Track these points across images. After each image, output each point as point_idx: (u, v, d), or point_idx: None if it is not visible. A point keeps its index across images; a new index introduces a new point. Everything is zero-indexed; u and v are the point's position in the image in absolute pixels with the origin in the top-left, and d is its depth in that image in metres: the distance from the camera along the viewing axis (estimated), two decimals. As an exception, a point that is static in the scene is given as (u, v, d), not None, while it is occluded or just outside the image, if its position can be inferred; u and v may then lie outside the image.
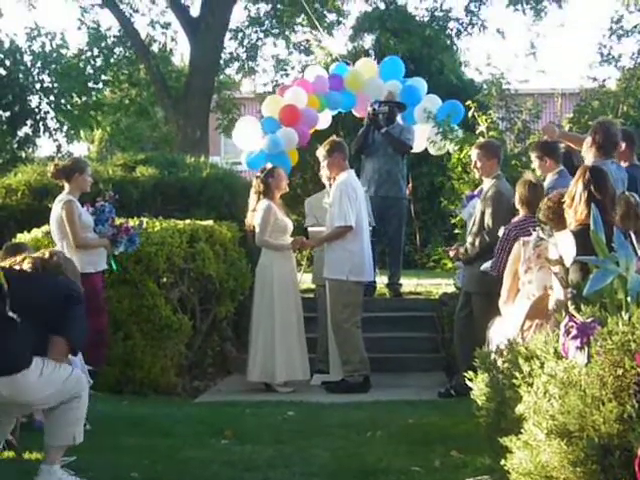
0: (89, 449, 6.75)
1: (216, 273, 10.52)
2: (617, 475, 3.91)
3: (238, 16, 27.26)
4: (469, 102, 11.36)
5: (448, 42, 21.69)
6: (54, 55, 23.03)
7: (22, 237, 9.78)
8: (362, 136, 12.29)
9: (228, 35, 24.30)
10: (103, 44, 24.62)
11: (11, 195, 12.27)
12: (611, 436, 3.93)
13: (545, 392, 4.38)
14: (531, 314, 6.66)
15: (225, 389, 10.34)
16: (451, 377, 9.91)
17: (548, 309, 6.28)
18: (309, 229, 10.80)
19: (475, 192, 10.00)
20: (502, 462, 4.62)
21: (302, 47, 26.44)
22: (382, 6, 22.34)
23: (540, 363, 4.71)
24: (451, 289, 11.47)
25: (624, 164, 8.34)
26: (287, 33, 26.30)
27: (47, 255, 6.32)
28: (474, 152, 9.36)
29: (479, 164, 9.24)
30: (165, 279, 9.89)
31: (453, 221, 11.38)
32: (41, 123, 22.56)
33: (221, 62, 24.44)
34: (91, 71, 24.31)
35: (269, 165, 10.64)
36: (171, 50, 26.65)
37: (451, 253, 9.79)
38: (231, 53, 25.79)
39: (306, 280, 11.84)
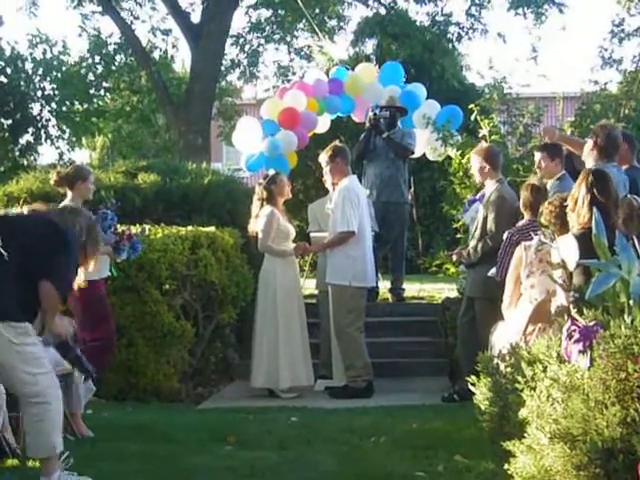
0: (92, 456, 6.77)
1: (218, 279, 10.52)
2: (620, 479, 3.90)
3: (239, 22, 27.38)
4: (471, 106, 11.36)
5: (449, 46, 21.68)
6: (55, 62, 23.10)
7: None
8: (363, 141, 12.29)
9: (229, 41, 24.30)
10: (104, 51, 24.63)
11: (13, 203, 12.25)
12: (614, 440, 3.93)
13: (548, 396, 4.38)
14: (533, 318, 6.66)
15: (228, 395, 10.34)
16: (454, 382, 9.91)
17: (551, 313, 6.28)
18: (311, 235, 10.81)
19: (477, 196, 10.00)
20: (505, 466, 4.62)
21: (303, 53, 26.46)
22: (383, 11, 22.37)
23: (543, 367, 4.71)
24: (454, 294, 11.46)
25: (624, 166, 8.34)
26: (288, 39, 26.31)
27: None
28: (475, 158, 9.38)
29: (486, 168, 9.24)
30: (167, 286, 9.89)
31: (455, 226, 11.38)
32: (43, 131, 22.64)
33: (222, 68, 24.43)
34: (92, 78, 24.36)
35: (272, 172, 10.64)
36: (172, 57, 26.71)
37: (454, 257, 9.80)
38: (232, 59, 25.80)
39: (309, 286, 11.84)
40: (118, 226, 9.16)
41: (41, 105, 22.79)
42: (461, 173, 11.09)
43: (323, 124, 12.95)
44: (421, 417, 8.34)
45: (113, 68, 24.84)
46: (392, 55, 18.15)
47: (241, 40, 25.73)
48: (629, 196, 6.98)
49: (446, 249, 12.71)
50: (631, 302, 4.53)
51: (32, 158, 22.70)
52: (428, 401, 9.42)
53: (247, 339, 10.67)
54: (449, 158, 11.44)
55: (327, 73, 13.80)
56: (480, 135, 11.13)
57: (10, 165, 21.57)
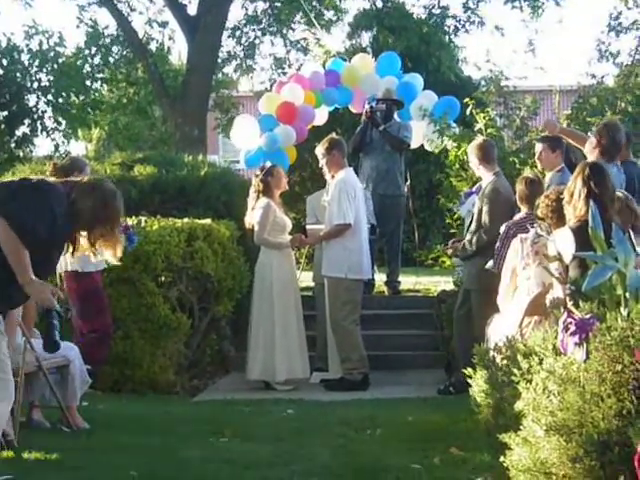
0: (88, 448, 6.77)
1: (214, 272, 10.51)
2: (616, 471, 3.90)
3: (236, 14, 27.26)
4: (467, 99, 11.35)
5: (446, 39, 21.66)
6: (52, 54, 23.04)
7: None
8: (360, 134, 12.28)
9: (226, 33, 24.28)
10: (101, 43, 24.59)
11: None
12: (610, 432, 3.93)
13: (544, 388, 4.38)
14: (530, 311, 6.67)
15: (223, 387, 10.34)
16: (450, 374, 9.91)
17: (546, 306, 6.28)
18: (308, 227, 10.79)
19: (473, 189, 10.00)
20: (501, 459, 4.62)
21: (300, 45, 26.42)
22: (379, 3, 22.32)
23: (539, 360, 4.71)
24: (450, 286, 11.47)
25: (619, 160, 8.34)
26: (285, 31, 26.27)
27: None
28: (471, 152, 9.39)
29: (480, 162, 9.26)
30: (163, 278, 9.89)
31: (449, 220, 11.37)
32: (39, 122, 22.58)
33: (219, 60, 24.40)
34: (89, 70, 24.31)
35: (268, 164, 10.63)
36: (169, 49, 26.67)
37: (449, 251, 9.81)
38: (229, 52, 25.77)
39: (305, 278, 11.83)
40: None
41: (37, 97, 22.74)
42: (457, 165, 11.09)
43: (321, 116, 12.93)
44: (417, 410, 8.35)
45: (110, 60, 24.80)
46: (388, 48, 18.04)
47: (237, 32, 25.70)
48: (617, 191, 6.99)
49: (442, 242, 12.72)
50: (627, 295, 4.53)
51: (28, 150, 22.65)
52: (424, 394, 9.42)
53: (243, 331, 10.66)
54: (446, 150, 11.43)
55: (324, 65, 13.78)
56: (476, 128, 11.12)
57: (6, 157, 21.52)
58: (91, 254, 5.66)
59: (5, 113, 21.90)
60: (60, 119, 23.00)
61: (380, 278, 12.77)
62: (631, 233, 5.30)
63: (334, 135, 10.57)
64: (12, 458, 6.25)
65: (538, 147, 8.94)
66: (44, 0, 40.50)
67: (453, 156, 11.13)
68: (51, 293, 5.40)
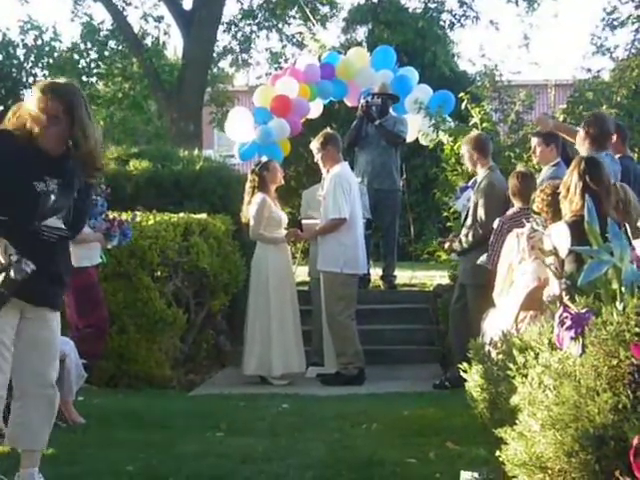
0: (84, 443, 6.77)
1: (210, 266, 10.52)
2: (612, 465, 3.90)
3: (231, 9, 27.26)
4: (462, 94, 11.34)
5: (441, 34, 21.65)
6: (47, 49, 22.99)
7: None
8: (355, 129, 12.28)
9: (221, 28, 24.27)
10: (96, 38, 24.54)
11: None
12: (606, 426, 3.92)
13: (540, 383, 4.38)
14: (525, 305, 6.66)
15: (219, 382, 10.33)
16: (446, 369, 9.93)
17: (542, 300, 6.28)
18: (303, 222, 10.78)
19: (469, 183, 10.00)
20: (497, 453, 4.61)
21: (295, 40, 26.40)
22: (375, -2, 22.32)
23: (534, 354, 4.70)
24: (445, 281, 11.48)
25: (616, 156, 8.34)
26: (280, 26, 26.25)
27: None
28: (465, 146, 9.40)
29: (475, 157, 9.26)
30: (159, 273, 9.90)
31: (445, 214, 11.38)
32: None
33: (214, 55, 24.39)
34: (84, 64, 24.27)
35: (264, 158, 10.62)
36: (164, 43, 26.61)
37: (445, 245, 9.81)
38: (224, 46, 25.75)
39: (301, 273, 11.83)
40: (109, 213, 9.17)
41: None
42: (453, 160, 11.08)
43: (315, 109, 12.92)
44: (412, 404, 8.36)
45: (105, 54, 24.75)
46: (384, 42, 18.06)
47: (233, 27, 25.67)
48: (617, 184, 6.99)
49: (438, 236, 12.71)
50: (623, 289, 4.53)
51: (23, 145, 22.58)
52: (419, 388, 9.44)
53: (239, 326, 10.67)
54: (441, 145, 11.43)
55: (319, 60, 13.78)
56: (471, 123, 11.12)
57: (1, 152, 21.47)
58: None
59: (1, 108, 21.85)
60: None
61: (376, 273, 12.78)
62: (627, 227, 5.30)
63: (329, 130, 10.58)
64: (8, 453, 6.24)
65: (533, 142, 8.96)
66: (39, -5, 40.31)
67: (449, 150, 11.13)
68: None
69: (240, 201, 10.42)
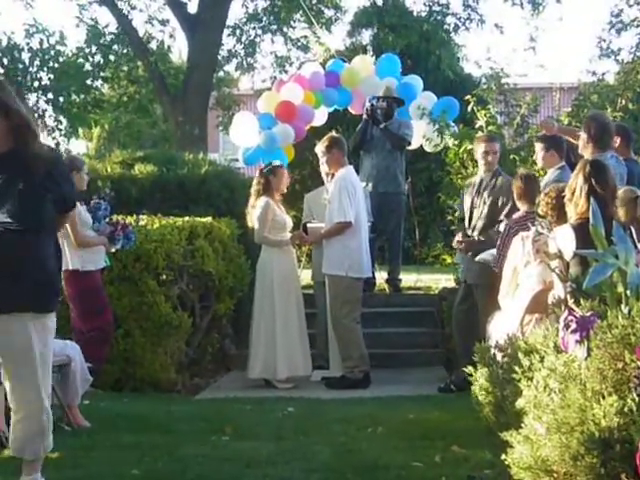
0: (89, 446, 6.77)
1: (215, 270, 10.52)
2: (617, 469, 3.90)
3: (236, 12, 27.24)
4: (468, 97, 11.34)
5: (446, 37, 21.65)
6: (52, 53, 23.03)
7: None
8: (360, 132, 12.28)
9: (226, 32, 24.25)
10: (101, 41, 24.57)
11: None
12: (611, 430, 3.92)
13: (545, 386, 4.38)
14: (531, 308, 6.66)
15: (225, 386, 10.34)
16: (451, 372, 9.91)
17: (547, 303, 6.28)
18: (308, 225, 10.77)
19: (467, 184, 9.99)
20: (503, 457, 4.61)
21: (300, 43, 26.40)
22: (379, 1, 22.32)
23: (540, 357, 4.71)
24: (451, 284, 11.47)
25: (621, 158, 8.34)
26: (285, 29, 26.26)
27: None
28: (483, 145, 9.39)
29: (489, 158, 9.28)
30: (164, 276, 9.88)
31: (450, 218, 11.36)
32: (39, 121, 22.55)
33: (219, 59, 24.41)
34: (90, 68, 24.30)
35: (276, 162, 10.56)
36: (169, 47, 26.62)
37: (462, 245, 9.58)
38: (229, 50, 25.75)
39: (306, 276, 11.83)
40: (113, 216, 9.19)
41: (37, 96, 22.75)
42: (458, 163, 11.08)
43: (320, 117, 12.93)
44: (418, 408, 8.35)
45: (111, 58, 24.77)
46: (389, 46, 18.12)
47: (238, 31, 25.68)
48: (626, 187, 6.99)
49: (443, 240, 12.72)
50: (628, 292, 4.53)
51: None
52: (425, 392, 9.43)
53: (244, 330, 10.67)
54: (446, 148, 11.42)
55: (324, 64, 13.77)
56: (477, 126, 11.12)
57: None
58: None
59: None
60: (60, 118, 23.00)
61: (381, 276, 12.77)
62: (633, 230, 5.30)
63: (334, 133, 10.58)
64: (13, 457, 6.24)
65: (537, 146, 8.99)
66: (44, -1, 40.43)
67: (453, 154, 11.13)
68: None
69: (245, 204, 10.42)
